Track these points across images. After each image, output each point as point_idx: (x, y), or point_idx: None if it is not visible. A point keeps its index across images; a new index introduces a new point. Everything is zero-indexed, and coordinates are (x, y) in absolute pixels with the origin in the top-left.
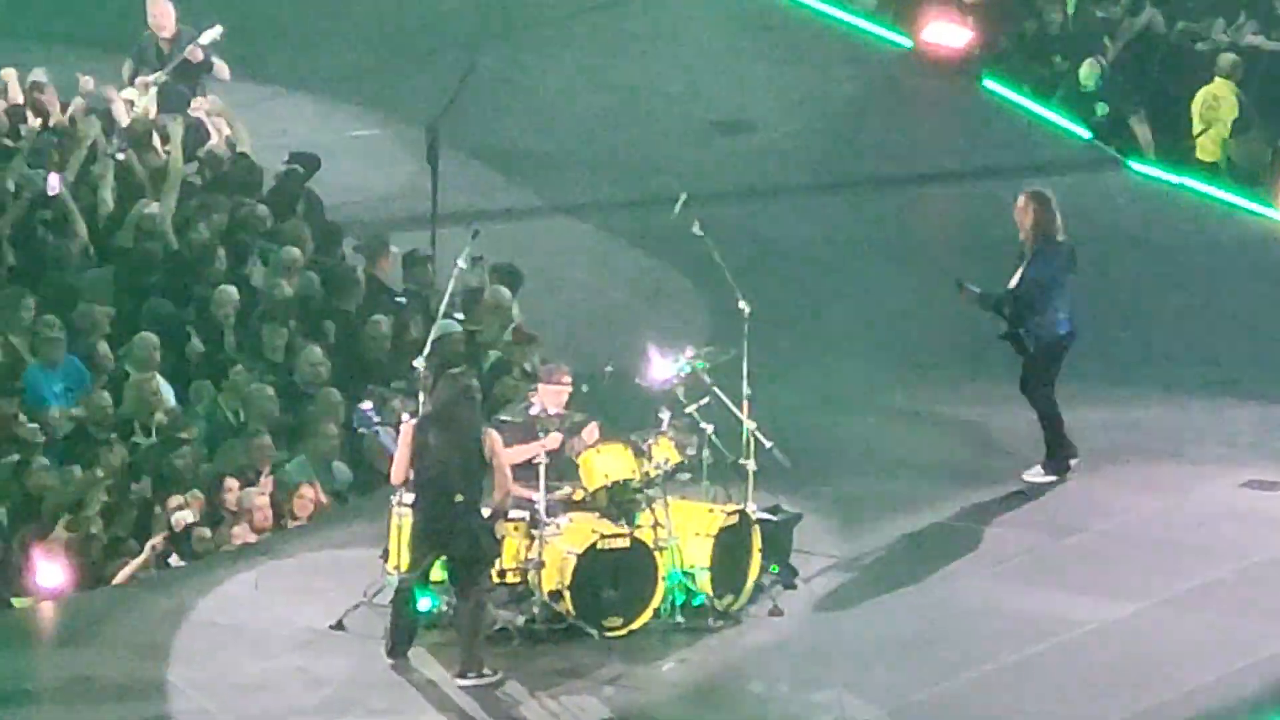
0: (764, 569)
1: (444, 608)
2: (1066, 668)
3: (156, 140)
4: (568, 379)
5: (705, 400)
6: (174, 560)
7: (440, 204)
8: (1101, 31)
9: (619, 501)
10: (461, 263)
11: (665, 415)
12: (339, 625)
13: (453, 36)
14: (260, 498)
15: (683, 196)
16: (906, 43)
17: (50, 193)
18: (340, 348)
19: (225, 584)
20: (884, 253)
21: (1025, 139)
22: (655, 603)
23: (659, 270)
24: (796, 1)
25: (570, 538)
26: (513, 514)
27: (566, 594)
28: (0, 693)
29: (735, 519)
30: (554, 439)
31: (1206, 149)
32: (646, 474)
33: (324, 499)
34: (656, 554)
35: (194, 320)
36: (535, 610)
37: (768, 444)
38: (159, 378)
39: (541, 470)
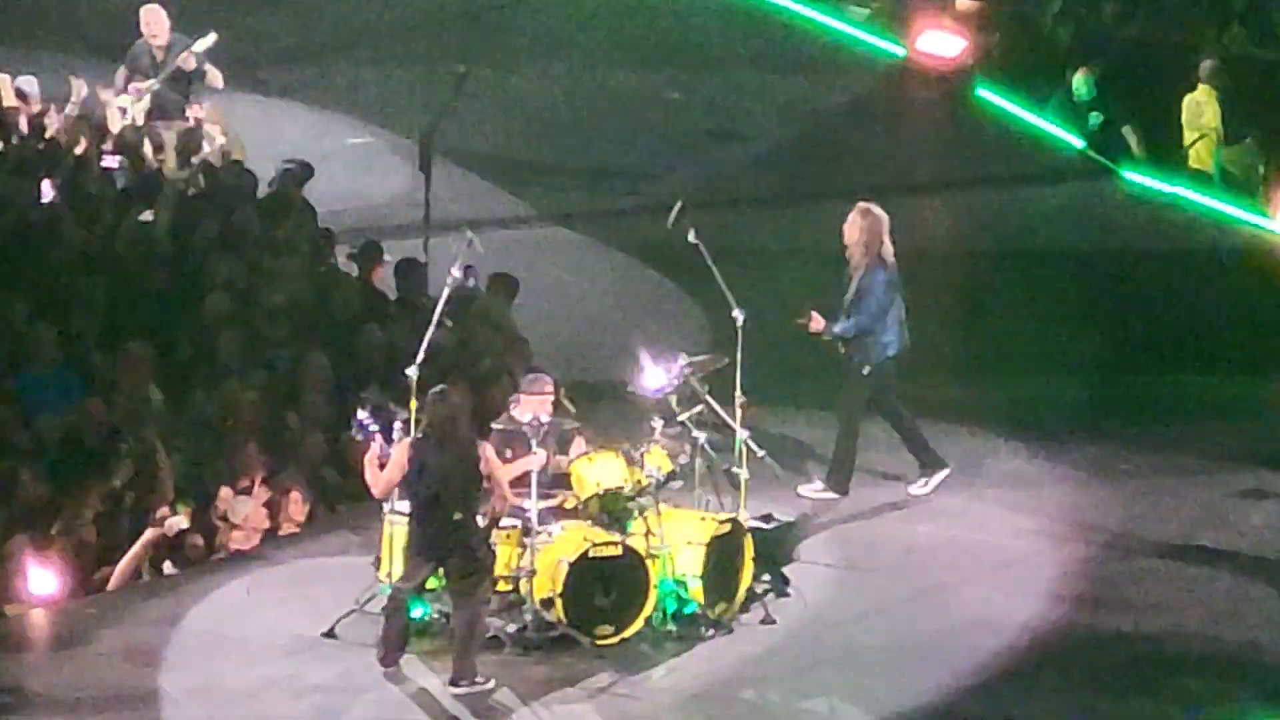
0: (758, 575)
1: (435, 615)
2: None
3: (148, 147)
4: (549, 388)
5: (698, 408)
6: (167, 567)
7: (434, 212)
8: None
9: (611, 510)
10: (455, 271)
11: (658, 424)
12: (331, 633)
13: (447, 45)
14: (252, 506)
15: (678, 204)
16: (900, 52)
17: (42, 200)
18: (334, 355)
19: (217, 591)
20: None
21: (1018, 148)
22: (647, 611)
23: (653, 278)
24: (790, 11)
25: (562, 546)
26: (504, 522)
27: (558, 602)
28: None
29: (728, 527)
30: (540, 457)
31: (1199, 158)
32: (639, 482)
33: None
34: (648, 562)
35: (186, 328)
36: (527, 618)
37: (760, 452)
38: (151, 386)
39: (533, 478)
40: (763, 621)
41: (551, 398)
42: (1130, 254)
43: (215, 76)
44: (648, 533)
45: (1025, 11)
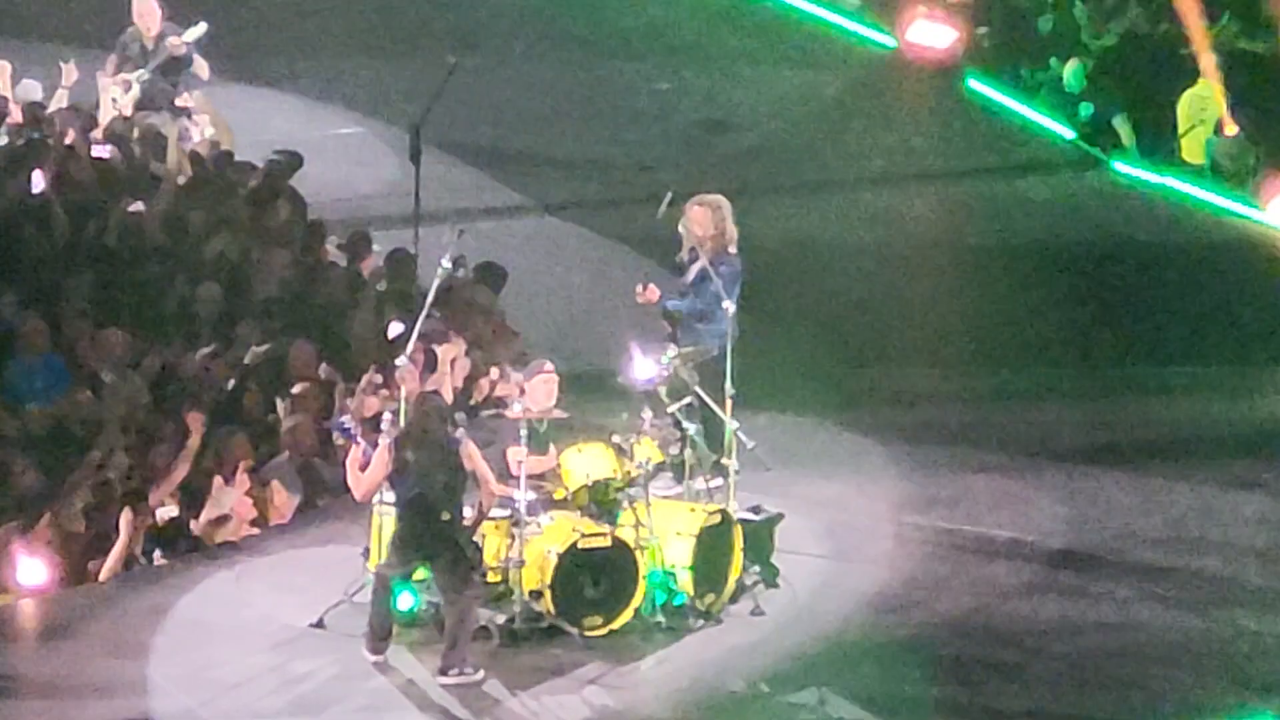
0: (747, 567)
1: (425, 605)
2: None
3: (136, 137)
4: (549, 367)
5: (687, 400)
6: (156, 557)
7: (424, 202)
8: (1086, 31)
9: (600, 501)
10: (445, 262)
11: (647, 415)
12: (319, 623)
13: (437, 35)
14: (240, 496)
15: (668, 195)
16: (891, 42)
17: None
18: (322, 346)
19: (206, 582)
20: (868, 252)
21: (1009, 139)
22: (636, 602)
23: (643, 269)
24: (781, 1)
25: (551, 537)
26: (494, 513)
27: (547, 593)
28: None
29: (717, 518)
30: (551, 457)
31: (1191, 149)
32: (628, 473)
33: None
34: (637, 553)
35: (176, 318)
36: (516, 609)
37: (750, 444)
38: (137, 376)
39: (522, 469)
40: (752, 613)
41: (554, 376)
42: (1120, 245)
43: (202, 66)
44: (637, 524)
45: (1015, 2)
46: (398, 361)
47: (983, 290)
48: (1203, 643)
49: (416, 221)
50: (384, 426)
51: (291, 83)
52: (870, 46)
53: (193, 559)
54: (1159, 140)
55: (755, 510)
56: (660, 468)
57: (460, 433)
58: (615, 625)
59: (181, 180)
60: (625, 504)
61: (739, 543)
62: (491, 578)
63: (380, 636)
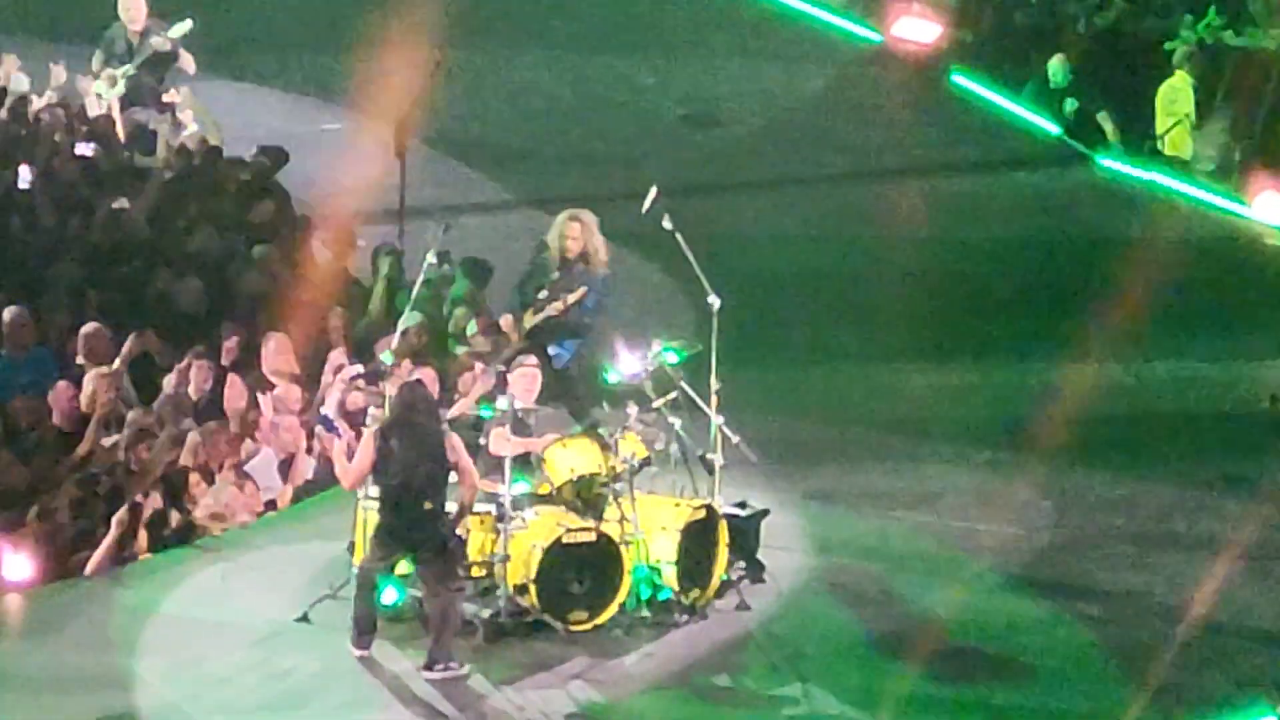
0: (732, 562)
1: (409, 599)
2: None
3: (122, 133)
4: (533, 360)
5: (673, 395)
6: (141, 554)
7: (409, 197)
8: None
9: (585, 495)
10: (430, 257)
11: (632, 410)
12: (304, 618)
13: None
14: (225, 490)
15: (653, 190)
16: (875, 38)
17: (21, 185)
18: (306, 340)
19: (191, 577)
20: (852, 247)
21: (994, 134)
22: (621, 597)
23: (628, 264)
24: None
25: (536, 531)
26: (479, 507)
27: (532, 587)
28: None
29: (702, 513)
30: (548, 438)
31: (1175, 144)
32: (613, 468)
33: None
34: (622, 548)
35: (160, 313)
36: (500, 604)
37: (735, 438)
38: (123, 370)
39: (506, 464)
40: (737, 608)
41: (536, 370)
42: (1105, 240)
43: (187, 61)
44: (622, 518)
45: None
46: (382, 356)
47: (967, 285)
48: (1190, 638)
49: (401, 217)
50: (369, 417)
51: (277, 78)
52: (855, 41)
53: (177, 555)
54: (1144, 136)
55: (741, 505)
56: (645, 463)
57: (446, 425)
58: (600, 620)
59: (168, 176)
60: (611, 499)
61: (724, 538)
62: (476, 572)
63: (365, 631)
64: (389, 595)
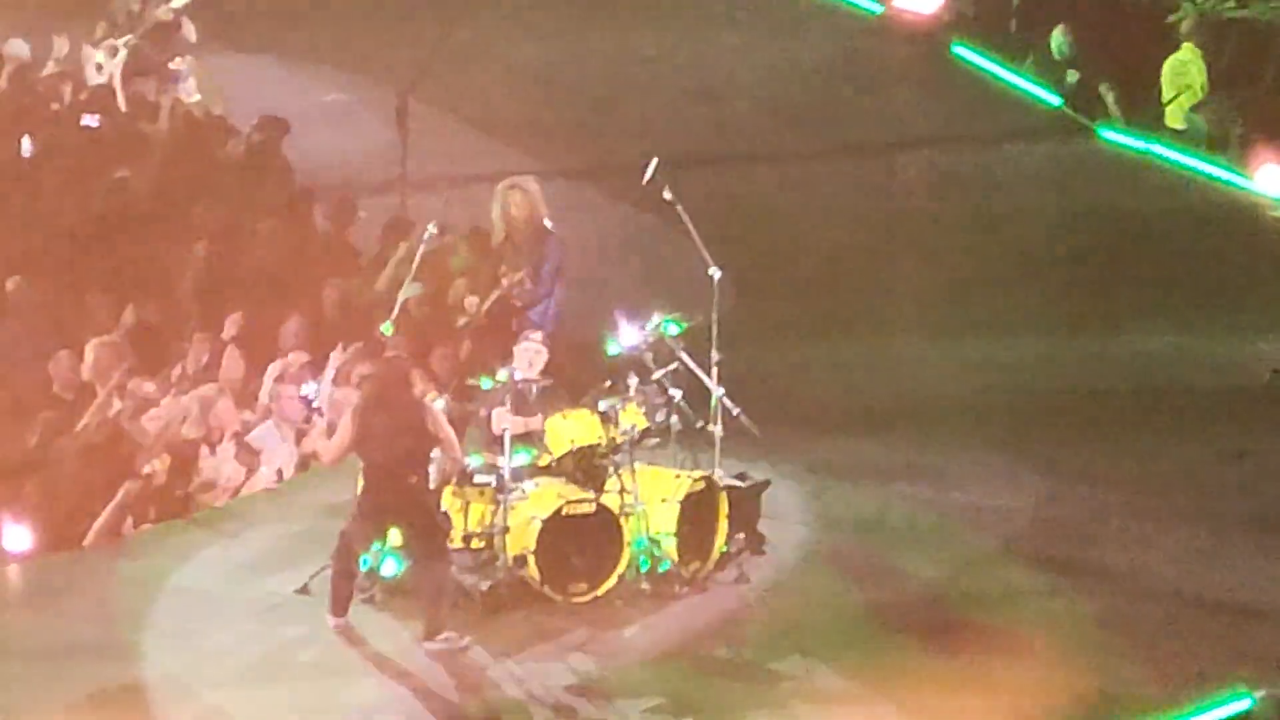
0: (732, 534)
1: (407, 570)
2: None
3: (124, 104)
4: (536, 336)
5: (673, 366)
6: (142, 525)
7: (412, 169)
8: None
9: (585, 467)
10: (431, 228)
11: (633, 381)
12: (304, 590)
13: (425, 2)
14: (227, 462)
15: (654, 162)
16: (877, 9)
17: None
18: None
19: (192, 548)
20: (855, 219)
21: (995, 106)
22: (620, 568)
23: (629, 236)
24: None
25: (535, 503)
26: (478, 479)
27: (531, 559)
28: None
29: (702, 485)
30: (538, 419)
31: (1176, 116)
32: (613, 440)
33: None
34: (622, 520)
35: (161, 284)
36: (500, 575)
37: (735, 410)
38: (125, 342)
39: (506, 436)
40: (737, 580)
41: (541, 347)
42: (1106, 212)
43: (190, 31)
44: (622, 490)
45: None
46: (381, 328)
47: (969, 258)
48: (1187, 612)
49: (404, 188)
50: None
51: (280, 49)
52: (857, 13)
53: (179, 526)
54: (1145, 108)
55: (741, 477)
56: (645, 434)
57: (428, 399)
58: (600, 592)
59: (171, 146)
60: (611, 470)
61: (724, 510)
62: (476, 544)
63: (340, 598)
64: (388, 567)
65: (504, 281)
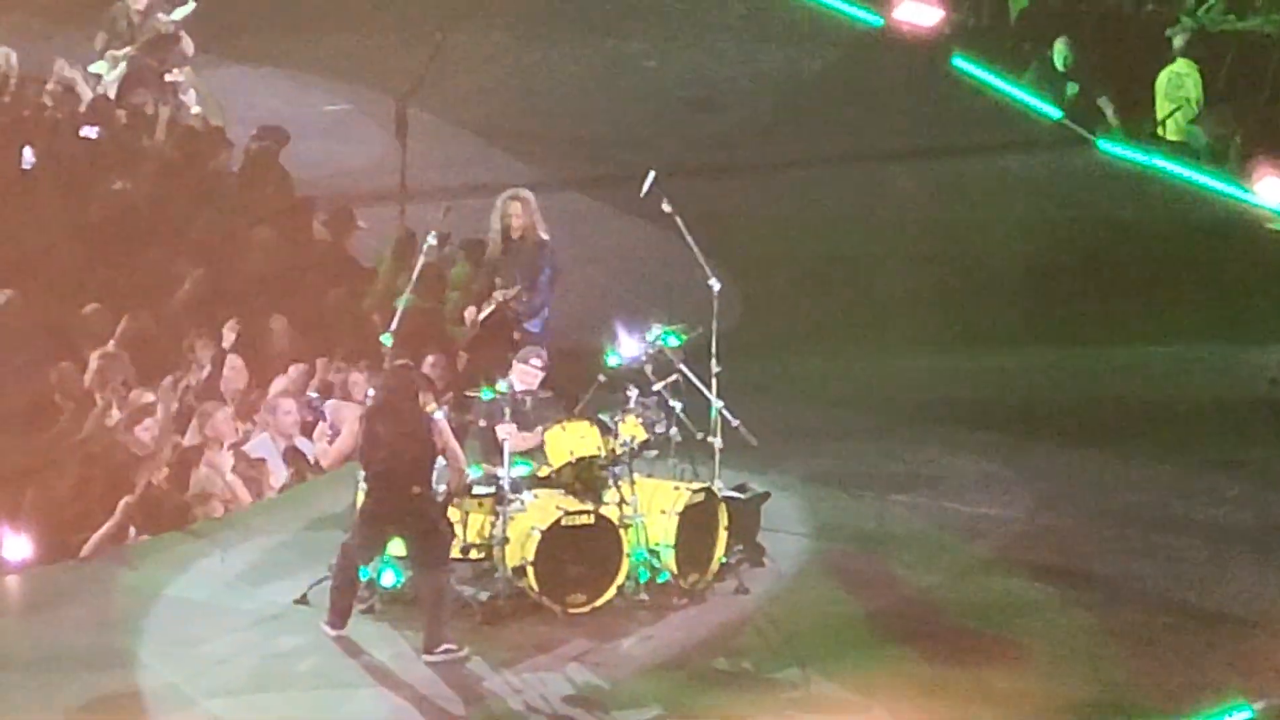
0: (732, 545)
1: (407, 581)
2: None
3: (122, 115)
4: (536, 361)
5: (673, 378)
6: (141, 535)
7: (411, 180)
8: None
9: (584, 478)
10: (430, 239)
11: (633, 393)
12: (303, 600)
13: (423, 12)
14: (226, 472)
15: (651, 174)
16: (877, 21)
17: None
18: (305, 322)
19: (190, 558)
20: (852, 231)
21: (995, 118)
22: (620, 579)
23: (627, 247)
24: None
25: (535, 514)
26: (478, 490)
27: (530, 570)
28: None
29: (702, 496)
30: (536, 434)
31: (1175, 129)
32: (613, 451)
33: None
34: (621, 531)
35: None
36: (499, 586)
37: (735, 422)
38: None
39: (505, 447)
40: (736, 591)
41: (540, 373)
42: (1105, 224)
43: (187, 43)
44: (621, 501)
45: None
46: (381, 338)
47: (967, 268)
48: (1185, 623)
49: (403, 198)
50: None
51: (279, 60)
52: (857, 25)
53: (178, 536)
54: (1144, 120)
55: (740, 489)
56: (645, 445)
57: (433, 409)
58: (598, 603)
59: (170, 157)
60: (610, 482)
61: (724, 521)
62: (475, 554)
63: (339, 611)
64: (387, 578)
65: (500, 295)
